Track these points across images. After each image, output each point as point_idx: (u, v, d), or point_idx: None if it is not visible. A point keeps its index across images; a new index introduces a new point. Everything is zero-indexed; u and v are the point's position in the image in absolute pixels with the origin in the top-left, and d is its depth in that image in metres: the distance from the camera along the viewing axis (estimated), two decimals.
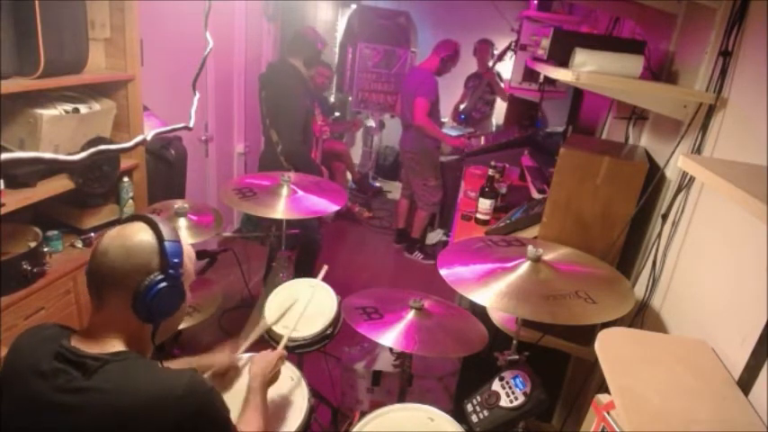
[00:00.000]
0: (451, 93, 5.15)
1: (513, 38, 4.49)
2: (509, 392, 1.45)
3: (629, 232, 1.66)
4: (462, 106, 5.19)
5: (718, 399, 1.02)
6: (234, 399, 1.43)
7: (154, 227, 1.05)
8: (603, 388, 1.10)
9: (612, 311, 1.30)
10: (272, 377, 1.42)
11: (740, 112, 1.32)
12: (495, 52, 4.98)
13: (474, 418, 1.46)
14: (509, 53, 4.68)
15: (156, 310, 1.02)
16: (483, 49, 4.91)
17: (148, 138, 2.12)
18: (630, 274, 1.76)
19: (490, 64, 4.96)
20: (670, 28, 1.86)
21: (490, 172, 2.82)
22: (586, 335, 1.66)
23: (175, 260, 1.04)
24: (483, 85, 5.00)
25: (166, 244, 1.04)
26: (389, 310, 1.70)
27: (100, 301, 1.03)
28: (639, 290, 1.65)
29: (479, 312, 1.81)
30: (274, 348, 1.59)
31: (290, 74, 3.04)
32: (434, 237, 4.77)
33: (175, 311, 1.08)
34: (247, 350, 1.60)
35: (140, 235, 1.04)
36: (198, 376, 1.03)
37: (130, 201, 2.32)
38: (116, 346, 1.02)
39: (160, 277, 1.01)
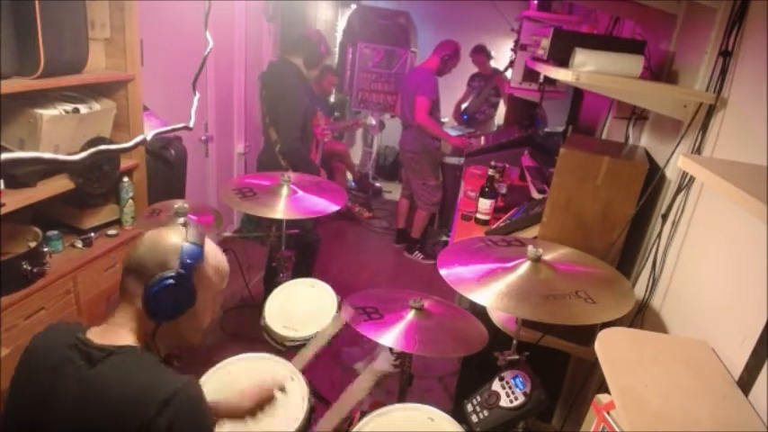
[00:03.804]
0: (452, 92, 5.16)
1: (513, 38, 4.50)
2: (509, 392, 1.45)
3: (629, 232, 1.66)
4: (465, 105, 5.19)
5: (718, 399, 1.02)
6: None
7: (186, 230, 1.10)
8: (603, 388, 1.10)
9: (612, 311, 1.30)
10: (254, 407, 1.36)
11: (740, 112, 1.32)
12: (493, 54, 5.03)
13: (474, 418, 1.46)
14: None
15: (159, 305, 1.04)
16: (478, 60, 5.01)
17: (148, 138, 2.12)
18: (630, 274, 1.76)
19: (501, 68, 4.99)
20: (670, 28, 1.86)
21: (490, 172, 2.82)
22: (586, 335, 1.66)
23: (188, 260, 1.06)
24: (489, 87, 5.02)
25: (185, 244, 1.07)
26: (389, 310, 1.69)
27: (121, 292, 1.08)
28: (639, 290, 1.65)
29: (479, 312, 1.81)
30: (276, 345, 1.59)
31: (290, 72, 3.04)
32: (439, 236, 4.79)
33: (179, 313, 1.07)
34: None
35: (171, 234, 1.08)
36: (191, 386, 1.01)
37: (130, 201, 2.33)
38: (126, 339, 1.04)
39: (170, 274, 1.04)
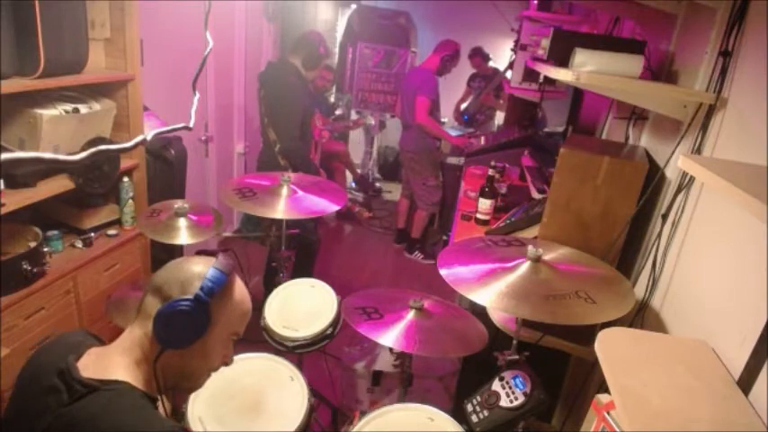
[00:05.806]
0: (452, 92, 5.17)
1: (513, 38, 4.51)
2: (509, 392, 1.45)
3: (629, 232, 1.66)
4: (464, 105, 5.20)
5: (718, 399, 1.02)
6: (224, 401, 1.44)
7: (216, 259, 1.06)
8: (603, 388, 1.10)
9: (612, 311, 1.30)
10: None
11: (740, 112, 1.32)
12: (491, 56, 5.08)
13: (474, 418, 1.46)
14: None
15: (170, 327, 0.98)
16: (475, 62, 5.07)
17: (148, 138, 2.13)
18: (630, 274, 1.76)
19: (501, 68, 5.02)
20: (670, 28, 1.86)
21: (490, 172, 2.82)
22: (586, 335, 1.66)
23: (210, 284, 1.00)
24: (491, 87, 5.05)
25: (211, 269, 1.02)
26: (389, 310, 1.69)
27: (138, 311, 1.03)
28: (639, 290, 1.65)
29: (479, 312, 1.81)
30: (276, 345, 1.58)
31: (289, 72, 3.04)
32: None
33: (189, 340, 1.00)
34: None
35: (200, 260, 1.05)
36: None
37: (130, 201, 2.32)
38: (118, 372, 0.97)
39: (188, 297, 0.98)
